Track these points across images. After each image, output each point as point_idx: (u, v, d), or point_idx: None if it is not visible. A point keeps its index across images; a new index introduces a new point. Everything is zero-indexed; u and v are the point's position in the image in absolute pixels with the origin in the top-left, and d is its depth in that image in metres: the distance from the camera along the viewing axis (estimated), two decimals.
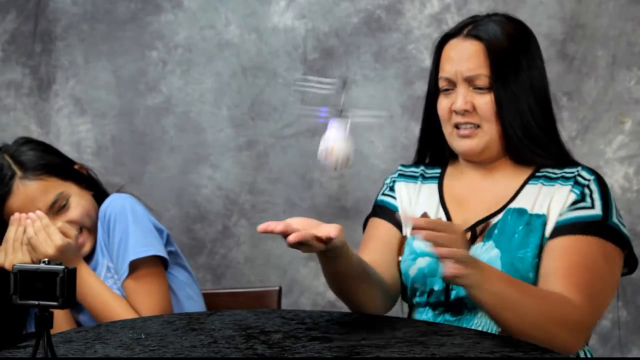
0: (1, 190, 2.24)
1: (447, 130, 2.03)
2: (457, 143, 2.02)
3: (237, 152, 3.28)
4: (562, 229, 1.93)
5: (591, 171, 1.99)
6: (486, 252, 1.95)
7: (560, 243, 1.92)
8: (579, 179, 1.97)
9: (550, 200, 1.96)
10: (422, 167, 2.14)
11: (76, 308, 2.28)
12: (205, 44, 3.28)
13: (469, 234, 1.99)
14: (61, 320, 2.22)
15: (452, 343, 1.66)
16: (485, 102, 1.98)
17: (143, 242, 2.23)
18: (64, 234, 2.22)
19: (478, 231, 1.99)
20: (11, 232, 2.20)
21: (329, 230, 1.80)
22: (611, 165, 3.08)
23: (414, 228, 1.75)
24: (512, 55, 1.99)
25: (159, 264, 2.26)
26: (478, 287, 1.78)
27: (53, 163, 2.29)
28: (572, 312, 1.85)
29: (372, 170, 3.20)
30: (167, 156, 3.31)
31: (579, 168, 1.99)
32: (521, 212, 1.97)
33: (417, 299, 2.04)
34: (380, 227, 2.11)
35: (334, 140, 1.86)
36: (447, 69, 2.01)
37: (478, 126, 1.99)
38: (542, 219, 1.95)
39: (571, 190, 1.96)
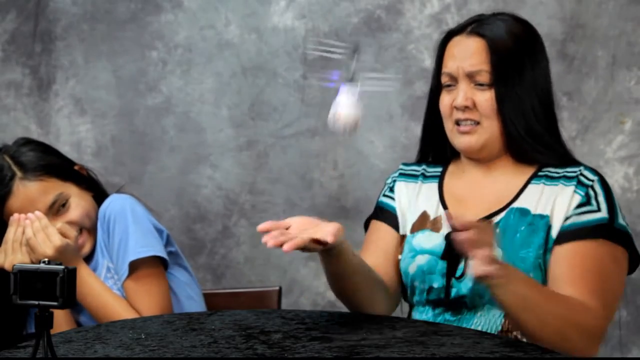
0: (1, 191, 2.24)
1: (448, 126, 2.03)
2: (457, 140, 2.02)
3: (237, 152, 3.28)
4: (570, 234, 1.93)
5: (594, 171, 1.99)
6: None
7: (570, 249, 1.92)
8: (582, 178, 1.97)
9: (554, 201, 1.96)
10: (423, 166, 2.14)
11: (76, 308, 2.28)
12: (205, 44, 3.28)
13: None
14: (61, 320, 2.21)
15: (452, 343, 1.66)
16: (485, 98, 1.98)
17: (143, 242, 2.23)
18: (64, 234, 2.22)
19: None
20: (10, 233, 2.20)
21: (326, 232, 1.80)
22: (611, 165, 3.08)
23: (456, 229, 1.75)
24: (515, 53, 1.99)
25: (158, 264, 2.26)
26: (503, 287, 1.79)
27: (53, 164, 2.29)
28: (591, 318, 1.86)
29: (372, 170, 3.20)
30: (167, 156, 3.31)
31: (581, 168, 1.99)
32: (524, 212, 1.97)
33: (416, 298, 2.04)
34: (380, 231, 2.12)
35: (343, 105, 1.87)
36: (450, 65, 2.02)
37: (478, 123, 1.99)
38: (546, 219, 1.95)
39: (575, 192, 1.96)
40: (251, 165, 3.27)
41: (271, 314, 1.86)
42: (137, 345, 1.64)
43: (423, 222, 2.06)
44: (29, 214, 2.18)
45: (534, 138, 1.99)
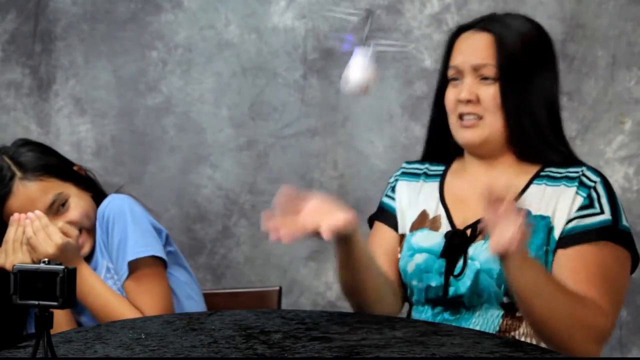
0: (1, 191, 2.24)
1: (452, 121, 2.03)
2: (460, 134, 2.02)
3: (237, 152, 3.28)
4: (573, 237, 1.93)
5: (596, 172, 1.99)
6: (486, 250, 1.95)
7: (574, 253, 1.91)
8: (584, 179, 1.97)
9: (556, 202, 1.96)
10: (426, 165, 2.14)
11: (77, 309, 2.28)
12: (205, 44, 3.28)
13: (469, 231, 1.99)
14: (62, 320, 2.21)
15: (452, 343, 1.66)
16: (489, 93, 1.98)
17: (142, 242, 2.23)
18: (65, 233, 2.22)
19: (479, 229, 1.99)
20: (11, 233, 2.20)
21: (329, 225, 1.82)
22: (611, 165, 3.08)
23: (492, 206, 1.75)
24: (523, 53, 1.99)
25: (158, 263, 2.26)
26: (520, 269, 1.79)
27: (52, 164, 2.29)
28: (599, 316, 1.86)
29: (372, 170, 3.20)
30: (167, 156, 3.31)
31: (584, 168, 1.99)
32: None
33: (415, 297, 2.04)
34: (382, 232, 2.12)
35: (355, 68, 1.89)
36: (457, 58, 2.04)
37: (481, 118, 1.99)
38: (547, 220, 1.95)
39: (577, 193, 1.95)
40: (251, 165, 3.27)
41: (271, 314, 1.86)
42: (137, 345, 1.64)
43: (422, 221, 2.06)
44: (29, 213, 2.19)
45: (538, 134, 1.99)
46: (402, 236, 2.09)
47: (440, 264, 1.99)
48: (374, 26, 3.21)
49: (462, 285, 1.96)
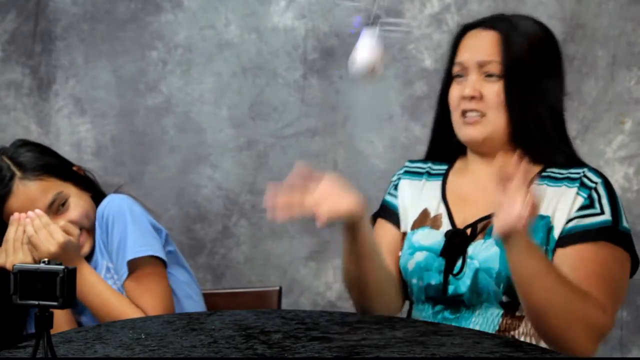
0: (1, 191, 2.24)
1: (455, 118, 2.04)
2: (462, 131, 2.02)
3: (237, 152, 3.28)
4: (572, 237, 1.93)
5: (598, 173, 1.98)
6: (486, 249, 1.96)
7: (573, 252, 1.91)
8: (585, 180, 1.96)
9: (557, 202, 1.96)
10: (429, 164, 2.14)
11: (78, 309, 2.28)
12: (205, 44, 3.27)
13: (469, 231, 1.99)
14: (62, 320, 2.21)
15: (452, 343, 1.66)
16: (493, 90, 1.99)
17: (141, 242, 2.23)
18: (66, 232, 2.22)
19: (479, 228, 1.99)
20: (11, 232, 2.20)
21: (329, 210, 1.85)
22: (611, 165, 3.08)
23: (503, 185, 1.76)
24: (529, 52, 2.00)
25: (158, 263, 2.26)
26: (523, 253, 1.80)
27: (51, 163, 2.30)
28: (599, 315, 1.86)
29: (372, 170, 3.20)
30: (167, 156, 3.31)
31: (585, 169, 1.99)
32: None
33: (415, 295, 2.04)
34: (384, 229, 2.12)
35: (362, 49, 1.89)
36: (462, 55, 2.04)
37: (484, 115, 1.99)
38: (547, 220, 1.95)
39: (578, 194, 1.95)
40: (251, 165, 3.27)
41: (271, 314, 1.86)
42: (137, 345, 1.64)
43: (423, 220, 2.06)
44: (29, 212, 2.18)
45: (541, 133, 1.99)
46: (404, 234, 2.09)
47: (440, 262, 1.99)
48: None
49: (462, 284, 1.96)
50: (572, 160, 2.01)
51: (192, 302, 2.36)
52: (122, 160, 3.32)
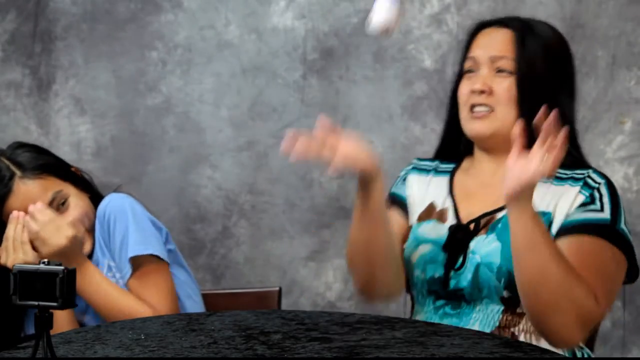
0: (1, 190, 2.24)
1: (463, 113, 2.04)
2: (470, 125, 2.03)
3: (237, 153, 3.28)
4: (570, 229, 1.93)
5: (602, 175, 1.99)
6: (487, 244, 1.97)
7: (568, 242, 1.92)
8: (589, 180, 1.97)
9: (558, 199, 1.96)
10: (436, 162, 2.16)
11: (81, 308, 2.28)
12: (205, 44, 3.27)
13: (472, 226, 2.00)
14: (64, 320, 2.21)
15: (452, 343, 1.66)
16: (504, 86, 1.99)
17: (143, 240, 2.24)
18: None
19: (482, 224, 2.00)
20: (10, 231, 2.20)
21: (348, 159, 1.91)
22: (611, 166, 3.08)
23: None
24: (543, 53, 2.00)
25: (161, 261, 2.26)
26: (527, 219, 1.81)
27: (50, 163, 2.30)
28: (591, 302, 1.85)
29: None
30: (167, 156, 3.31)
31: (590, 171, 1.99)
32: None
33: (417, 287, 2.05)
34: (393, 218, 2.11)
35: (379, 9, 1.90)
36: (474, 50, 2.05)
37: (492, 110, 2.00)
38: (548, 216, 1.95)
39: (580, 192, 1.96)
40: (251, 165, 3.27)
41: (271, 315, 1.86)
42: (136, 345, 1.64)
43: (430, 213, 2.07)
44: (30, 207, 2.18)
45: None
46: (409, 226, 2.10)
47: (445, 256, 2.00)
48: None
49: (463, 278, 1.97)
50: (579, 162, 2.02)
51: (192, 302, 2.36)
52: (122, 161, 3.32)
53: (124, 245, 2.23)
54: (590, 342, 2.04)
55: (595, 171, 2.00)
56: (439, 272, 2.00)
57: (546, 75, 1.99)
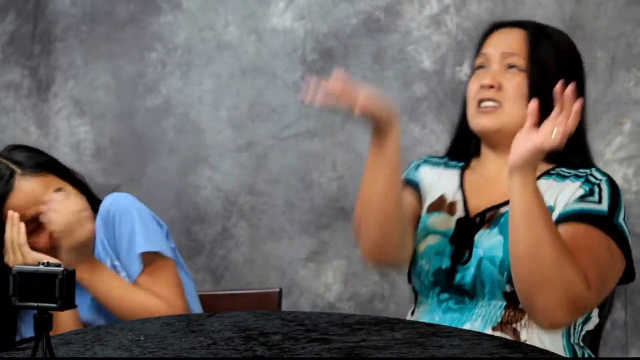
0: (4, 188, 2.24)
1: (471, 109, 2.05)
2: (476, 120, 2.04)
3: (237, 154, 3.28)
4: (567, 217, 1.94)
5: (604, 173, 2.01)
6: (490, 238, 1.98)
7: (565, 230, 1.92)
8: (590, 177, 1.99)
9: (559, 192, 1.98)
10: (446, 158, 2.17)
11: (102, 311, 2.27)
12: (204, 45, 3.28)
13: (478, 220, 2.01)
14: (67, 321, 2.21)
15: (451, 344, 1.66)
16: (513, 82, 2.01)
17: (150, 237, 2.25)
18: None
19: (486, 217, 2.01)
20: (7, 233, 2.20)
21: (366, 106, 1.93)
22: (610, 167, 3.08)
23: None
24: (555, 56, 2.01)
25: (167, 257, 2.27)
26: (529, 190, 1.83)
27: (48, 161, 2.30)
28: (582, 286, 1.85)
29: None
30: (167, 157, 3.31)
31: (593, 169, 2.01)
32: None
33: (422, 278, 2.05)
34: (405, 198, 2.11)
35: None
36: (486, 48, 2.07)
37: (500, 106, 2.00)
38: (548, 208, 1.96)
39: (580, 186, 1.97)
40: (250, 166, 3.27)
41: (270, 316, 1.86)
42: (136, 347, 1.64)
43: (440, 205, 2.08)
44: (48, 197, 2.18)
45: None
46: (419, 216, 2.11)
47: (452, 248, 2.01)
48: (372, 27, 3.21)
49: (468, 273, 1.98)
50: (585, 163, 2.03)
51: (191, 300, 2.36)
52: (121, 162, 3.32)
53: (132, 242, 2.24)
54: (594, 345, 2.04)
55: (598, 170, 2.01)
56: (445, 264, 2.01)
57: (557, 76, 1.99)
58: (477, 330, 1.95)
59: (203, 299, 2.44)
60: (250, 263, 3.28)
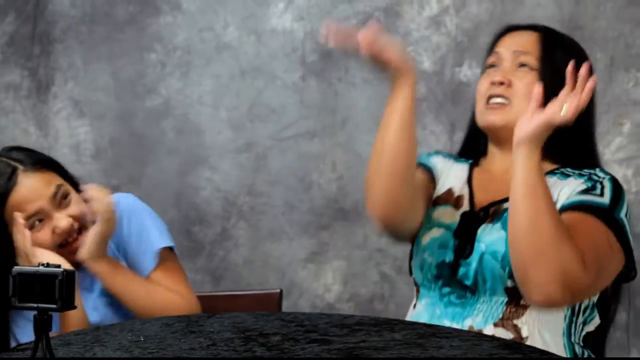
0: (7, 184, 2.24)
1: (480, 106, 2.06)
2: (484, 116, 2.05)
3: (236, 154, 3.28)
4: (569, 207, 1.95)
5: (608, 173, 2.02)
6: (493, 233, 1.98)
7: (567, 217, 1.92)
8: (594, 176, 2.00)
9: (562, 188, 1.99)
10: (454, 156, 2.19)
11: (120, 308, 2.27)
12: (204, 46, 3.28)
13: (481, 214, 2.01)
14: (76, 320, 2.21)
15: (451, 345, 1.66)
16: (524, 81, 2.02)
17: (162, 234, 2.28)
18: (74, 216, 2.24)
19: (490, 212, 2.01)
20: (16, 236, 2.20)
21: (383, 50, 1.96)
22: (610, 167, 3.08)
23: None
24: (567, 58, 2.00)
25: (174, 254, 2.30)
26: (533, 164, 1.85)
27: (47, 159, 2.31)
28: (578, 266, 1.85)
29: None
30: (166, 158, 3.31)
31: (597, 169, 2.02)
32: None
33: (424, 271, 2.05)
34: (417, 175, 2.11)
35: None
36: (498, 47, 2.08)
37: (509, 103, 2.01)
38: None
39: (583, 183, 1.98)
40: (250, 167, 3.27)
41: (270, 317, 1.86)
42: (135, 347, 1.64)
43: (447, 198, 2.09)
44: (87, 187, 2.21)
45: (566, 133, 2.00)
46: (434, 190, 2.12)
47: (456, 242, 2.01)
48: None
49: (471, 268, 1.98)
50: (590, 165, 2.04)
51: None
52: (120, 163, 3.32)
53: (146, 239, 2.25)
54: (599, 348, 2.04)
55: (602, 170, 2.02)
56: (449, 258, 2.01)
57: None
58: (478, 325, 1.96)
59: (203, 299, 2.44)
60: (250, 264, 3.29)
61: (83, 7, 3.32)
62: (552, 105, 1.85)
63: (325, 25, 1.96)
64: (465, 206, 2.06)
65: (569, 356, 1.95)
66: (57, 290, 1.37)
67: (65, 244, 2.22)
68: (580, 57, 2.07)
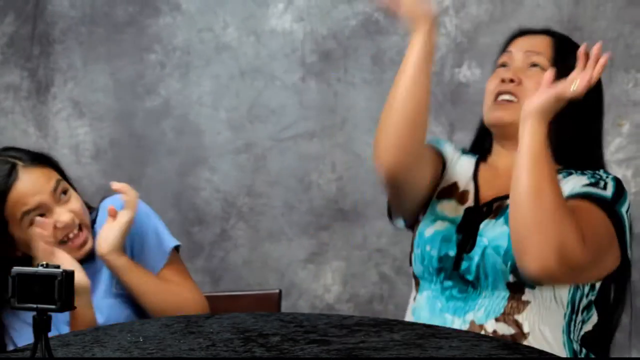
0: (8, 180, 2.24)
1: (488, 103, 2.07)
2: (491, 113, 2.06)
3: (236, 155, 3.28)
4: (571, 197, 1.95)
5: (610, 173, 2.03)
6: (496, 228, 1.99)
7: (570, 204, 1.92)
8: (597, 174, 2.01)
9: (565, 184, 1.99)
10: (462, 148, 2.20)
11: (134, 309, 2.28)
12: (203, 47, 3.28)
13: (485, 209, 2.01)
14: (85, 319, 2.21)
15: (450, 346, 1.66)
16: (534, 80, 2.03)
17: (169, 233, 2.30)
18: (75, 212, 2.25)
19: (493, 208, 2.02)
20: (36, 241, 2.20)
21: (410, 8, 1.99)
22: (609, 168, 3.06)
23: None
24: (577, 61, 2.01)
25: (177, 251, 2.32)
26: (541, 137, 1.86)
27: (44, 156, 2.31)
28: (577, 243, 1.84)
29: (370, 173, 3.20)
30: (166, 159, 3.31)
31: (601, 171, 2.03)
32: None
33: (425, 264, 2.05)
34: (426, 150, 2.13)
35: None
36: (510, 47, 2.10)
37: (517, 101, 2.01)
38: None
39: (587, 179, 1.99)
40: (249, 167, 3.27)
41: (269, 317, 1.86)
42: (135, 348, 1.64)
43: (451, 192, 2.10)
44: (114, 184, 2.23)
45: (573, 135, 2.00)
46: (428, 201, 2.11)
47: (459, 237, 2.02)
48: (371, 29, 3.21)
49: (473, 263, 1.98)
50: (592, 165, 2.04)
51: None
52: (120, 163, 3.32)
53: (156, 239, 2.27)
54: (603, 351, 2.05)
55: (605, 171, 2.03)
56: (453, 251, 2.01)
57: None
58: (479, 320, 1.96)
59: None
60: (249, 264, 3.29)
61: (83, 7, 3.32)
62: (562, 82, 1.86)
63: None
64: (470, 202, 2.07)
65: (568, 353, 1.95)
66: (57, 290, 1.37)
67: (66, 241, 2.22)
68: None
